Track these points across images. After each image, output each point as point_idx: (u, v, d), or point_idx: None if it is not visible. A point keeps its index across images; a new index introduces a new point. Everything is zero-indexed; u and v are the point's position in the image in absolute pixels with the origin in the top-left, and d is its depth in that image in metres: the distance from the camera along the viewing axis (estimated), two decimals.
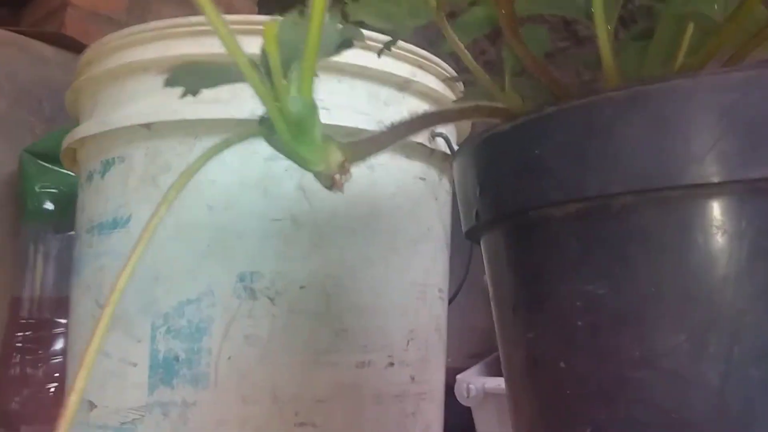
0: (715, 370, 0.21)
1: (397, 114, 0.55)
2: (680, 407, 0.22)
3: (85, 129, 0.56)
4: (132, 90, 0.54)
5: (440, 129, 0.55)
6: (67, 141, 0.58)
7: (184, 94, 0.24)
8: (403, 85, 0.55)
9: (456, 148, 0.58)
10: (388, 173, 0.54)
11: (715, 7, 0.23)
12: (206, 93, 0.54)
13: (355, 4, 0.37)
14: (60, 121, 0.86)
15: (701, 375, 0.22)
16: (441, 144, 0.57)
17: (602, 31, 0.27)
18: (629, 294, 0.23)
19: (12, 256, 0.81)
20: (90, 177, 0.57)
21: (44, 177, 0.80)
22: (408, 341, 0.54)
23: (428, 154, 0.56)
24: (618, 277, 0.23)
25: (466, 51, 0.32)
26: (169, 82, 0.24)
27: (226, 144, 0.22)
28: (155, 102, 0.53)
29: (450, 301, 0.61)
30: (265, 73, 0.21)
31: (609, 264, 0.24)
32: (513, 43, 0.25)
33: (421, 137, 0.55)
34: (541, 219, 0.26)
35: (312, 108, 0.20)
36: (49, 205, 0.79)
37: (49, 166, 0.80)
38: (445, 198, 0.60)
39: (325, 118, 0.51)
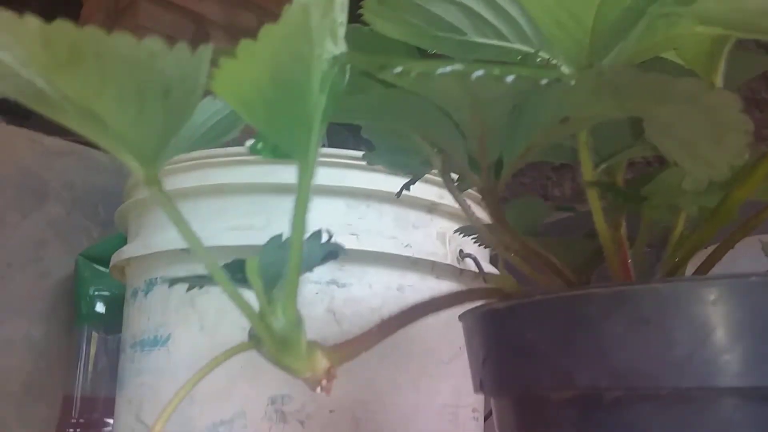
0: None
1: (426, 236, 0.56)
2: None
3: (130, 250, 0.59)
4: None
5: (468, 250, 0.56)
6: (115, 259, 0.62)
7: (189, 289, 0.26)
8: (431, 207, 0.57)
9: (485, 266, 0.59)
10: (418, 293, 0.55)
11: (695, 207, 0.24)
12: (241, 221, 0.56)
13: (371, 153, 0.39)
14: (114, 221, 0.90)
15: None
16: (470, 264, 0.57)
17: (599, 218, 0.27)
18: None
19: (65, 355, 0.85)
20: (135, 294, 0.60)
21: (98, 281, 0.83)
22: None
23: (458, 274, 0.57)
24: None
25: (471, 211, 0.33)
26: (174, 283, 0.25)
27: (218, 362, 0.23)
28: (195, 228, 0.55)
29: (486, 419, 0.60)
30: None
31: None
32: (500, 231, 0.26)
33: (450, 259, 0.56)
34: (541, 399, 0.26)
35: (296, 325, 0.21)
36: (101, 308, 0.82)
37: (103, 269, 0.84)
38: None
39: (354, 243, 0.53)
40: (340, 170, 0.54)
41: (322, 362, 0.22)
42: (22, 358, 0.84)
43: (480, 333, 0.29)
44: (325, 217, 0.54)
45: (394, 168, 0.38)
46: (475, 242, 0.46)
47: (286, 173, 0.54)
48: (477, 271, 0.58)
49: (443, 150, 0.29)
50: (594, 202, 0.26)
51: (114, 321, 0.82)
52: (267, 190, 0.53)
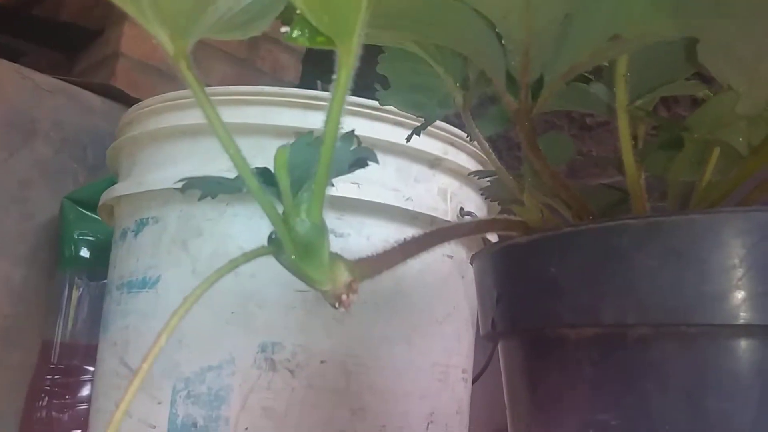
0: None
1: (427, 191, 0.55)
2: None
3: (122, 188, 0.57)
4: (169, 153, 0.55)
5: (470, 208, 0.55)
6: (105, 198, 0.60)
7: (203, 197, 0.25)
8: (434, 162, 0.55)
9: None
10: None
11: (740, 139, 0.23)
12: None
13: (385, 92, 0.38)
14: (103, 169, 0.88)
15: None
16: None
17: (627, 148, 0.26)
18: (642, 429, 0.22)
19: (46, 300, 0.83)
20: (124, 234, 0.58)
21: (83, 224, 0.81)
22: (428, 424, 0.53)
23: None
24: (632, 410, 0.23)
25: (489, 150, 0.32)
26: (188, 187, 0.24)
27: (235, 264, 0.22)
28: (191, 167, 0.54)
29: (474, 381, 0.60)
30: (275, 191, 0.21)
31: (623, 395, 0.23)
32: (531, 157, 0.25)
33: (451, 216, 0.55)
34: (557, 339, 0.25)
35: (321, 230, 0.20)
36: (85, 253, 0.81)
37: (89, 213, 0.82)
38: (473, 276, 0.59)
39: (354, 193, 0.52)
40: (346, 117, 0.53)
41: (344, 275, 0.20)
42: (1, 300, 0.82)
43: (496, 271, 0.28)
44: None
45: (408, 107, 0.37)
46: (482, 195, 0.45)
47: (288, 116, 0.52)
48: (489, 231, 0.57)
49: (477, 70, 0.28)
50: (624, 133, 0.25)
51: (98, 267, 0.80)
52: (268, 133, 0.51)
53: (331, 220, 0.52)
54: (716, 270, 0.21)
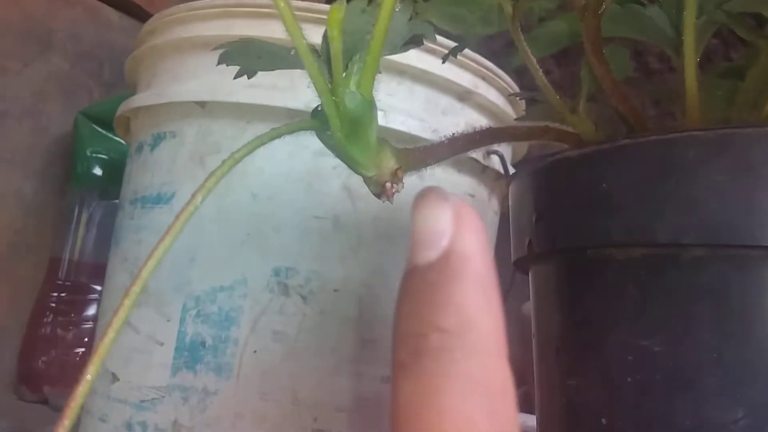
0: None
1: (454, 125, 0.53)
2: None
3: (140, 99, 0.56)
4: (191, 65, 0.53)
5: (496, 147, 0.53)
6: (122, 108, 0.58)
7: (239, 75, 0.23)
8: (464, 96, 0.53)
9: (510, 169, 0.56)
10: (437, 184, 0.52)
11: None
12: (263, 78, 0.53)
13: (426, 3, 0.36)
14: (119, 86, 0.86)
15: None
16: (495, 162, 0.55)
17: (690, 64, 0.24)
18: (688, 356, 0.21)
19: (56, 216, 0.82)
20: (140, 148, 0.57)
21: (96, 142, 0.80)
22: None
23: (480, 171, 0.55)
24: (678, 336, 0.21)
25: (537, 66, 0.30)
26: (224, 59, 0.22)
27: (275, 134, 0.21)
28: (213, 81, 0.52)
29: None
30: (324, 62, 0.19)
31: (670, 320, 0.22)
32: (594, 62, 0.23)
33: (476, 152, 0.53)
34: (601, 259, 0.24)
35: (370, 106, 0.18)
36: (98, 170, 0.79)
37: (103, 131, 0.81)
38: (492, 219, 0.58)
39: (380, 120, 0.50)
40: None
41: (390, 161, 0.19)
42: (11, 213, 0.81)
43: (538, 188, 0.26)
44: None
45: (449, 21, 0.35)
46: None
47: (316, 34, 0.50)
48: (501, 171, 0.56)
49: None
50: (689, 50, 0.23)
51: (110, 185, 0.79)
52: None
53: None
54: None
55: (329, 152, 0.50)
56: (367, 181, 0.20)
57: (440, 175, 0.53)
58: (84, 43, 0.84)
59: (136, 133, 0.58)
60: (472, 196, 0.55)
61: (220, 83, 0.51)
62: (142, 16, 0.89)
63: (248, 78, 0.23)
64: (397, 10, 0.19)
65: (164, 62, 0.55)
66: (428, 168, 0.52)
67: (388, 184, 0.20)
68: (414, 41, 0.22)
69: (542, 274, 0.27)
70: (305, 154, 0.50)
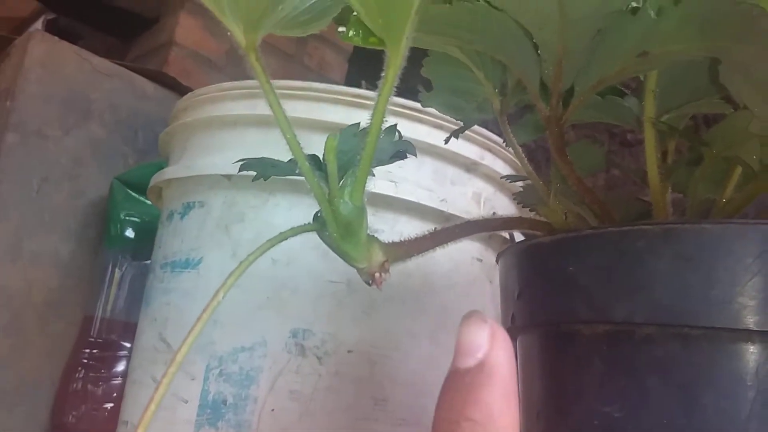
0: None
1: (461, 194, 0.57)
2: None
3: (172, 171, 0.60)
4: (219, 141, 0.58)
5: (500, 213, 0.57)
6: (156, 179, 0.63)
7: (257, 178, 0.27)
8: (471, 167, 0.57)
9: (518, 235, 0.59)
10: (445, 250, 0.56)
11: (754, 156, 0.24)
12: (284, 154, 0.57)
13: (428, 93, 0.40)
14: (152, 153, 0.91)
15: None
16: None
17: (651, 156, 0.28)
18: (643, 422, 0.24)
19: (91, 276, 0.86)
20: (171, 216, 0.61)
21: (130, 205, 0.85)
22: None
23: (487, 237, 0.58)
24: (634, 404, 0.24)
25: (522, 155, 0.33)
26: (245, 167, 0.26)
27: (283, 237, 0.24)
28: (238, 155, 0.56)
29: None
30: (322, 175, 0.23)
31: (628, 389, 0.25)
32: (559, 163, 0.26)
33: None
34: (571, 334, 0.27)
35: (361, 212, 0.22)
36: (130, 233, 0.84)
37: (136, 195, 0.86)
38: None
39: (391, 190, 0.54)
40: (389, 116, 0.55)
41: (378, 255, 0.22)
42: (49, 273, 0.86)
43: (519, 268, 0.29)
44: None
45: (448, 110, 0.39)
46: (515, 201, 0.46)
47: (333, 113, 0.55)
48: (507, 237, 0.59)
49: (515, 77, 0.29)
50: (649, 146, 0.26)
51: (141, 247, 0.84)
52: (313, 127, 0.54)
53: (367, 214, 0.54)
54: (722, 277, 0.22)
55: None
56: (359, 271, 0.24)
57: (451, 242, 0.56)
58: (121, 112, 0.90)
59: (168, 201, 0.62)
60: (480, 260, 0.58)
61: (245, 158, 0.55)
62: (175, 87, 0.95)
63: (264, 180, 0.27)
64: (382, 133, 0.22)
65: (194, 137, 0.60)
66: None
67: (377, 275, 0.23)
68: (398, 156, 0.26)
69: (525, 344, 0.30)
70: None
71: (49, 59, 0.84)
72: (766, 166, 0.24)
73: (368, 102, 0.55)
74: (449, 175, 0.57)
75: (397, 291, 0.54)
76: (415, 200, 0.54)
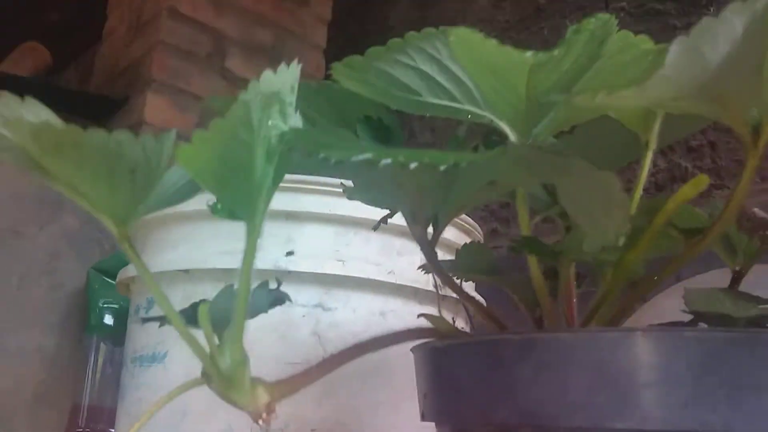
0: None
1: (410, 263, 0.59)
2: None
3: (133, 269, 0.63)
4: (175, 237, 0.61)
5: None
6: (120, 277, 0.66)
7: (161, 326, 0.30)
8: None
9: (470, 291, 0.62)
10: (400, 319, 0.58)
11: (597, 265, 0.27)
12: (235, 244, 0.59)
13: (350, 189, 0.43)
14: None
15: None
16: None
17: (536, 272, 0.31)
18: None
19: (76, 366, 0.89)
20: (137, 310, 0.64)
21: (107, 293, 0.87)
22: None
23: (440, 300, 0.60)
24: None
25: (430, 253, 0.36)
26: (145, 321, 0.29)
27: (180, 391, 0.27)
28: (193, 248, 0.59)
29: None
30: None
31: None
32: (439, 276, 0.29)
33: (432, 284, 0.59)
34: None
35: (241, 364, 0.25)
36: (109, 320, 0.87)
37: (113, 282, 0.88)
38: None
39: (339, 269, 0.56)
40: (331, 198, 0.58)
41: (263, 397, 0.25)
42: (35, 366, 0.88)
43: (424, 367, 0.32)
44: (315, 243, 0.58)
45: (370, 204, 0.42)
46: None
47: (280, 201, 0.58)
48: (458, 297, 0.62)
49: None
50: (533, 261, 0.29)
51: (120, 333, 0.86)
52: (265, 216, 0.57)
53: (320, 295, 0.57)
54: (576, 381, 0.25)
55: (298, 303, 0.56)
56: (248, 413, 0.26)
57: (403, 308, 0.59)
58: None
59: (134, 296, 0.65)
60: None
61: (198, 251, 0.58)
62: None
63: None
64: (255, 288, 0.25)
65: (152, 234, 0.63)
66: (391, 304, 0.58)
67: (264, 415, 0.26)
68: (276, 302, 0.29)
69: None
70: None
71: None
72: (611, 272, 0.27)
73: (313, 187, 0.58)
74: (396, 246, 0.60)
75: (356, 367, 0.56)
76: (365, 276, 0.57)
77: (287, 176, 0.59)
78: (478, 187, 0.26)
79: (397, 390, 0.57)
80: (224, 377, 0.25)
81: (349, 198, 0.43)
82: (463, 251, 0.32)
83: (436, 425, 0.32)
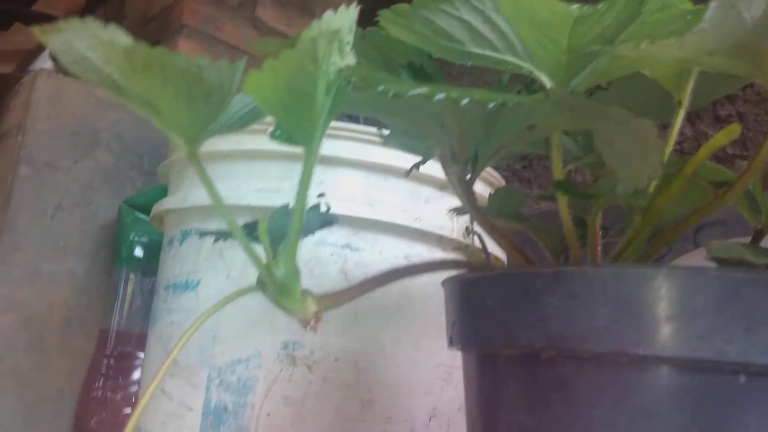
0: None
1: (436, 211, 0.62)
2: None
3: (169, 202, 0.66)
4: (211, 174, 0.63)
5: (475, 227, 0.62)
6: (155, 209, 0.68)
7: (216, 240, 0.32)
8: (443, 185, 0.62)
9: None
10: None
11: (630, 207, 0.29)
12: (270, 184, 0.62)
13: (387, 135, 0.45)
14: (157, 175, 0.97)
15: None
16: (476, 239, 0.63)
17: (564, 211, 0.33)
18: (549, 429, 0.29)
19: (105, 293, 0.93)
20: (171, 242, 0.66)
21: (138, 227, 0.90)
22: (430, 417, 0.60)
23: (463, 248, 0.63)
24: (540, 415, 0.29)
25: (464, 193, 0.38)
26: (203, 235, 0.31)
27: (228, 300, 0.29)
28: (229, 186, 0.62)
29: None
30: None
31: (535, 403, 0.30)
32: (474, 215, 0.31)
33: (456, 234, 0.62)
34: (494, 356, 0.32)
35: (293, 274, 0.27)
36: (139, 252, 0.90)
37: (143, 217, 0.91)
38: None
39: (368, 213, 0.59)
40: (363, 145, 0.60)
41: (311, 306, 0.28)
42: (66, 292, 0.92)
43: (452, 299, 0.34)
44: (346, 186, 0.60)
45: (405, 149, 0.44)
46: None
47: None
48: (481, 247, 0.64)
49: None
50: (562, 201, 0.31)
51: (150, 265, 0.90)
52: (296, 159, 0.59)
53: (348, 236, 0.59)
54: (600, 309, 0.27)
55: (329, 241, 0.59)
56: (298, 320, 0.29)
57: (427, 254, 0.61)
58: (126, 140, 0.96)
59: (168, 228, 0.68)
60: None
61: (235, 189, 0.61)
62: None
63: (224, 241, 0.32)
64: (308, 209, 0.27)
65: (187, 171, 0.65)
66: (417, 248, 0.60)
67: (312, 321, 0.28)
68: (325, 224, 0.31)
69: (465, 361, 0.36)
70: (306, 244, 0.59)
71: (56, 95, 0.89)
72: (640, 215, 0.29)
73: (347, 134, 0.60)
74: (423, 194, 0.62)
75: (380, 303, 0.59)
76: (392, 221, 0.59)
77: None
78: (518, 129, 0.28)
79: (417, 328, 0.60)
80: (279, 285, 0.27)
81: (385, 145, 0.45)
82: (495, 195, 0.34)
83: (462, 350, 0.35)
